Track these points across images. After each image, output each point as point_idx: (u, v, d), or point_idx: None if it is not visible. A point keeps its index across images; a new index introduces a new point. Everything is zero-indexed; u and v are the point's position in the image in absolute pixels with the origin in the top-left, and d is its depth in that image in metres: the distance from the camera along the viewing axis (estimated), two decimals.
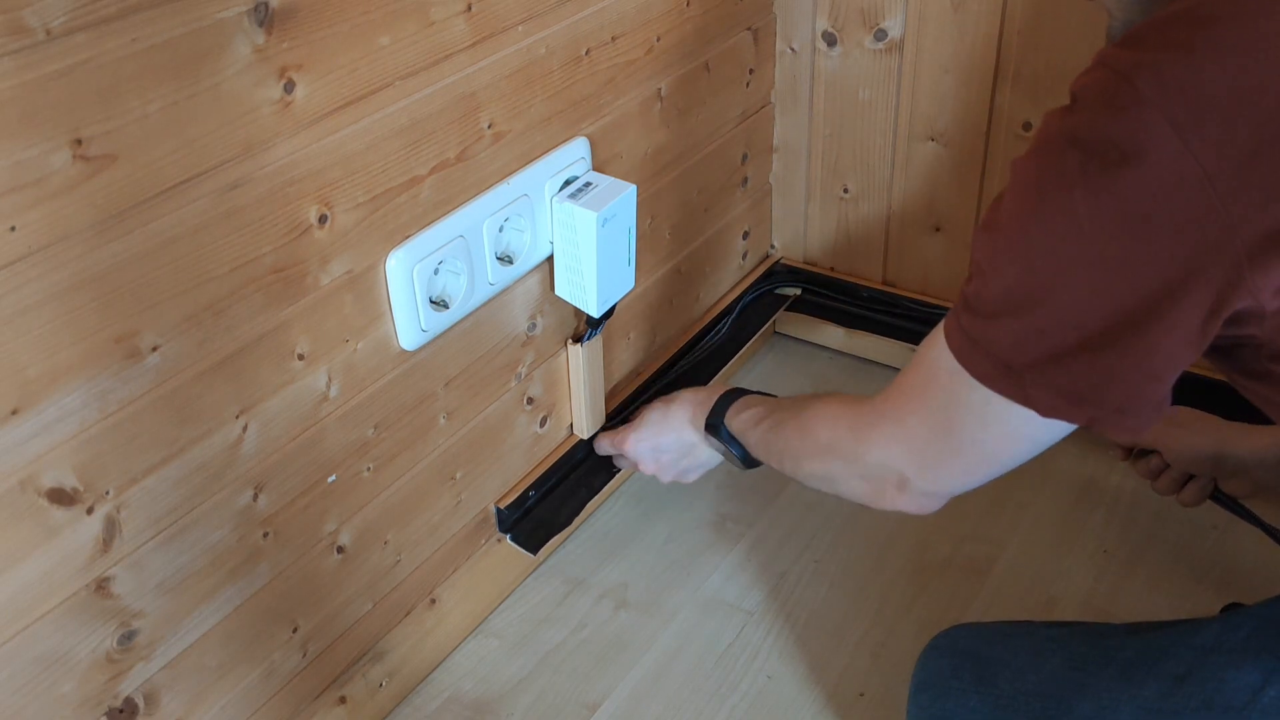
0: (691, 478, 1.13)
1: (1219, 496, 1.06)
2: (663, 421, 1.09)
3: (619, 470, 1.24)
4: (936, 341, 0.71)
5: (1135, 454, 1.09)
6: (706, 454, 1.09)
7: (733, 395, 1.03)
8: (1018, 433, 0.69)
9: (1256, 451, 1.01)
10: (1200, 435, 1.03)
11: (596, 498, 1.26)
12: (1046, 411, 0.66)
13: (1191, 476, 1.05)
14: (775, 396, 1.02)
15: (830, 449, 0.85)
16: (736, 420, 1.00)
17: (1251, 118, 0.56)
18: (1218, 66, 0.56)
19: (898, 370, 1.46)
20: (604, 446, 1.20)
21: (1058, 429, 0.68)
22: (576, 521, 1.25)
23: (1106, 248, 0.61)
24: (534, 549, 1.15)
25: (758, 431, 0.97)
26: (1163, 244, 0.59)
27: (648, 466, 1.13)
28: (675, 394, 1.11)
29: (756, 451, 0.99)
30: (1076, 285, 0.62)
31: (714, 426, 1.02)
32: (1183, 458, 1.04)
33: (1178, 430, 1.04)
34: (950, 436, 0.72)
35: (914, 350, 1.46)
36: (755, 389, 1.05)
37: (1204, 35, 0.57)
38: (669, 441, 1.09)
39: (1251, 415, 1.06)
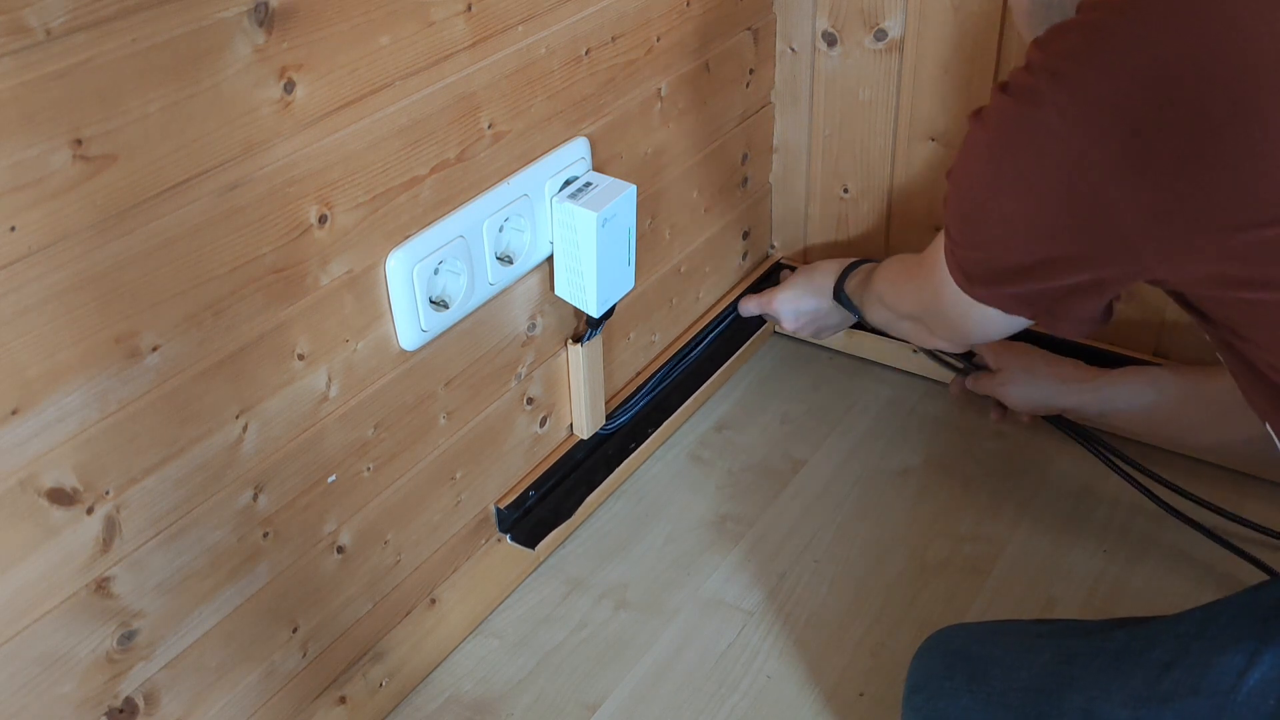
0: (825, 336, 1.33)
1: (1057, 421, 1.25)
2: (806, 285, 1.27)
3: (619, 466, 1.24)
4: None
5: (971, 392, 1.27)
6: (838, 318, 1.27)
7: (854, 265, 1.21)
8: (984, 320, 0.86)
9: (1080, 406, 1.19)
10: (1028, 389, 1.21)
11: (597, 495, 1.26)
12: (1000, 307, 0.83)
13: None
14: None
15: (883, 300, 1.08)
16: (850, 285, 1.19)
17: (1129, 111, 0.66)
18: (1099, 71, 0.67)
19: (898, 370, 1.47)
20: (750, 308, 1.37)
21: (1015, 319, 0.84)
22: (577, 519, 1.25)
23: (1013, 209, 0.74)
24: (533, 544, 1.15)
25: (858, 293, 1.17)
26: (1054, 214, 0.72)
27: (789, 324, 1.31)
28: (816, 264, 1.28)
29: (862, 311, 1.17)
30: (998, 234, 0.78)
31: (838, 293, 1.21)
32: (1021, 409, 1.23)
33: (1009, 388, 1.22)
34: (941, 311, 0.91)
35: (914, 352, 1.47)
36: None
37: (1092, 41, 0.68)
38: (808, 306, 1.27)
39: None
